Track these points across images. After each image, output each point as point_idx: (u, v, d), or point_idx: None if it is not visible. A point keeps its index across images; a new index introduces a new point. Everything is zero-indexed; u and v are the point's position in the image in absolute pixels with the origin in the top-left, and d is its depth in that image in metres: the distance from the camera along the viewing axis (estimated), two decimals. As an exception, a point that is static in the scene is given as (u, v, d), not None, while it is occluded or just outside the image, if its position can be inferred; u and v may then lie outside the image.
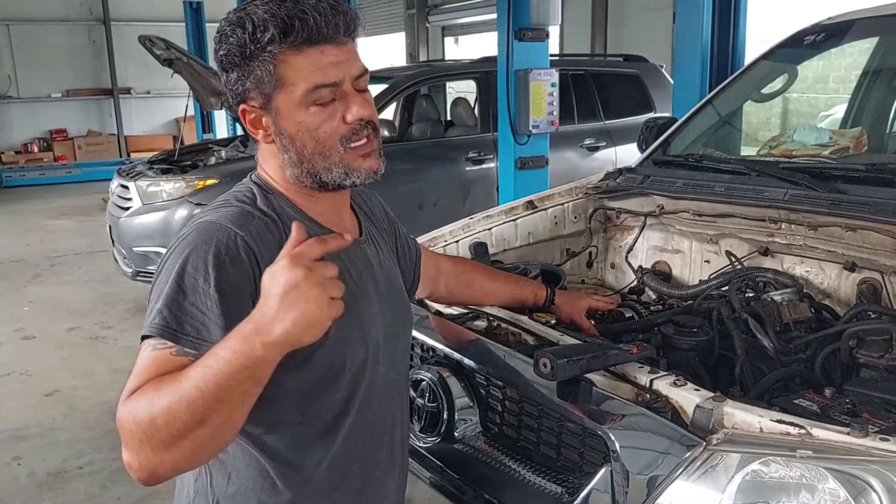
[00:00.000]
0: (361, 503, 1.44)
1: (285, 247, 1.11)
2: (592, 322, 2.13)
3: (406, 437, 1.58)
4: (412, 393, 1.92)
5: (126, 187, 6.30)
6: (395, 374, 1.49)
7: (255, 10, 1.26)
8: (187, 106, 8.17)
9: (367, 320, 1.39)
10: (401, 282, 1.60)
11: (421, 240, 2.46)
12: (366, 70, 1.35)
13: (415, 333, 2.06)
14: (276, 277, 1.08)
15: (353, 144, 1.33)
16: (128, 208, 6.16)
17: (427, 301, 2.21)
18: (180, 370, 1.12)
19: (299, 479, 1.35)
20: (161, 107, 15.83)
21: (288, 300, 1.06)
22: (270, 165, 1.39)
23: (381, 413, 1.45)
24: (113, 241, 6.39)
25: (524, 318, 1.95)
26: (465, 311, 2.10)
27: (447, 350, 1.93)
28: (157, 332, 1.18)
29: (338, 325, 1.17)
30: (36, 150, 14.87)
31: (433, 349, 1.99)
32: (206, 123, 12.72)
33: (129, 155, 15.04)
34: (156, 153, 8.15)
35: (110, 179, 6.93)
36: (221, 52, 1.31)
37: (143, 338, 1.20)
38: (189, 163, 6.78)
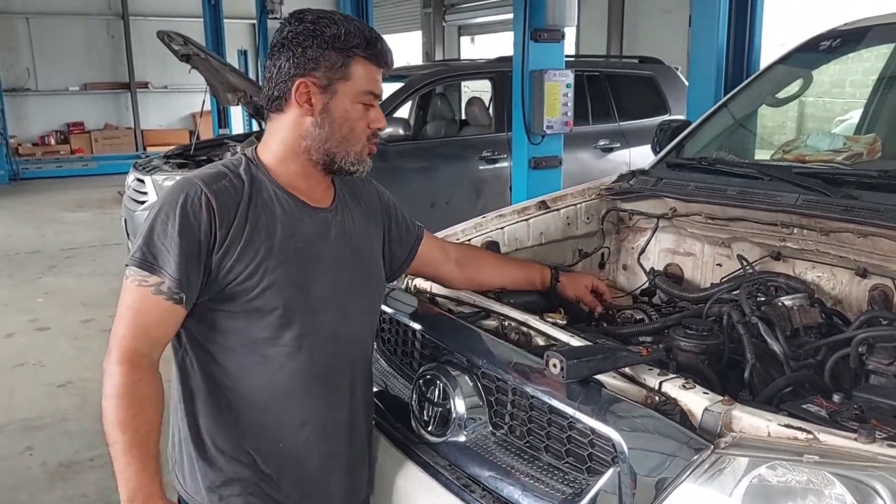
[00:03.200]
0: (301, 434, 1.73)
1: None
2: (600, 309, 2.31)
3: (364, 387, 1.87)
4: (423, 390, 1.94)
5: (142, 181, 6.35)
6: (347, 327, 1.77)
7: (347, 21, 1.66)
8: (204, 101, 8.21)
9: (309, 276, 1.68)
10: (373, 252, 1.88)
11: (433, 238, 2.48)
12: None
13: (425, 332, 2.08)
14: None
15: (371, 143, 1.74)
16: (143, 202, 6.21)
17: (438, 298, 2.23)
18: (156, 309, 1.55)
19: (242, 399, 1.68)
20: (178, 101, 15.91)
21: None
22: (276, 137, 1.72)
23: (324, 356, 1.72)
24: (128, 234, 6.44)
25: (534, 319, 1.96)
26: (476, 309, 2.11)
27: (457, 349, 1.95)
28: (136, 263, 1.56)
29: (274, 278, 1.61)
30: (53, 142, 14.99)
31: (443, 348, 2.00)
32: (223, 119, 12.79)
33: (145, 149, 15.14)
34: (172, 148, 8.20)
35: (126, 173, 6.98)
36: (307, 32, 1.64)
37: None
38: (205, 157, 6.81)
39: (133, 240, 6.21)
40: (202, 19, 13.16)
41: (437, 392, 1.89)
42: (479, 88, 8.13)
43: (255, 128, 9.78)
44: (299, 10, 1.70)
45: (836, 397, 1.55)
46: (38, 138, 15.02)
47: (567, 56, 5.79)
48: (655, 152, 3.07)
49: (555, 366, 1.56)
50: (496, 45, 13.55)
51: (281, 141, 1.71)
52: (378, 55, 1.69)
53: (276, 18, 10.95)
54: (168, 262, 1.55)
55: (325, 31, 1.63)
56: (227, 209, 1.60)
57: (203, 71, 7.16)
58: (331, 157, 1.69)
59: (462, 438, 1.84)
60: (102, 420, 1.55)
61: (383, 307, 2.15)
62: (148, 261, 1.56)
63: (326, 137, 1.67)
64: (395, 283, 2.29)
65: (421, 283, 2.30)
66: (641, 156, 6.00)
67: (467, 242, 2.52)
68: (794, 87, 3.16)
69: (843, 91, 8.55)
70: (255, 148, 1.76)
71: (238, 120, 13.05)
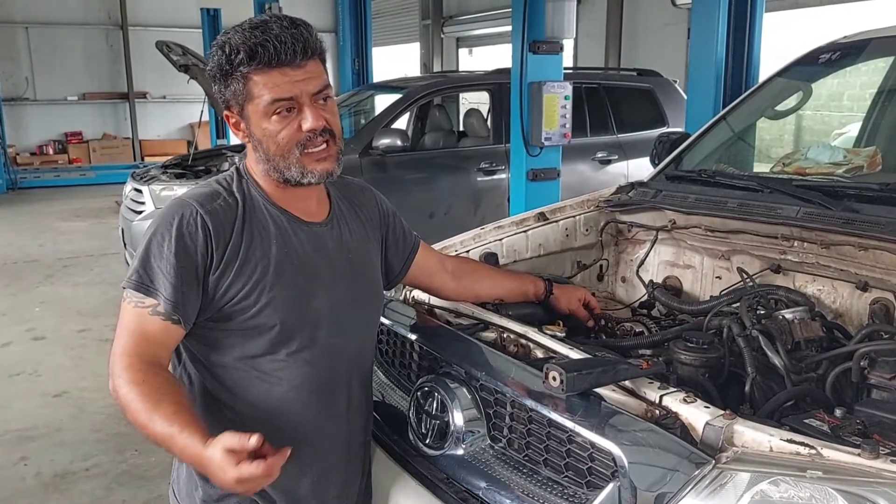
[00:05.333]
0: (298, 451, 1.62)
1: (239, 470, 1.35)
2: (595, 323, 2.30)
3: (362, 400, 1.84)
4: (421, 402, 1.92)
5: (140, 191, 6.35)
6: (345, 341, 1.74)
7: (234, 36, 1.56)
8: (202, 111, 8.22)
9: (307, 293, 1.66)
10: (370, 264, 1.85)
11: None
12: (326, 86, 1.62)
13: (423, 344, 2.07)
14: (224, 474, 1.36)
15: (309, 150, 1.61)
16: (141, 212, 6.21)
17: (436, 309, 2.22)
18: (153, 328, 1.53)
19: (238, 414, 1.65)
20: (176, 112, 15.92)
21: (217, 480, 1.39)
22: (251, 158, 1.69)
23: (321, 372, 1.70)
24: (125, 244, 6.43)
25: (533, 331, 1.95)
26: (475, 321, 2.10)
27: (455, 361, 1.93)
28: (133, 286, 1.55)
29: (272, 296, 1.59)
30: (51, 151, 14.99)
31: (441, 360, 1.99)
32: (221, 129, 12.75)
33: (143, 159, 15.15)
34: (170, 158, 8.20)
35: (124, 182, 6.99)
36: (208, 69, 1.63)
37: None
38: (202, 168, 6.83)
39: (129, 249, 6.24)
40: (201, 30, 13.17)
41: (434, 404, 1.88)
42: (477, 100, 8.15)
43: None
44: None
45: (838, 412, 1.54)
46: (36, 148, 15.02)
47: (565, 68, 5.80)
48: (654, 164, 3.07)
49: (554, 379, 1.55)
50: (494, 57, 13.59)
51: (254, 162, 1.69)
52: (268, 60, 1.54)
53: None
54: (164, 284, 1.54)
55: (215, 62, 1.59)
56: (222, 229, 1.59)
57: (202, 81, 7.16)
58: (280, 173, 1.63)
59: (460, 451, 1.83)
60: (142, 432, 1.49)
61: (381, 318, 2.14)
62: (144, 283, 1.55)
63: (265, 158, 1.63)
64: (392, 294, 2.28)
65: (419, 294, 2.29)
66: (639, 168, 6.02)
67: (465, 254, 2.51)
68: (794, 99, 3.16)
69: (840, 104, 8.57)
70: (246, 163, 1.72)
71: (236, 130, 13.01)
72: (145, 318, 1.54)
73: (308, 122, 1.58)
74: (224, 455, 1.35)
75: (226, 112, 1.65)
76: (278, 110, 1.57)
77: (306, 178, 1.63)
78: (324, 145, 1.62)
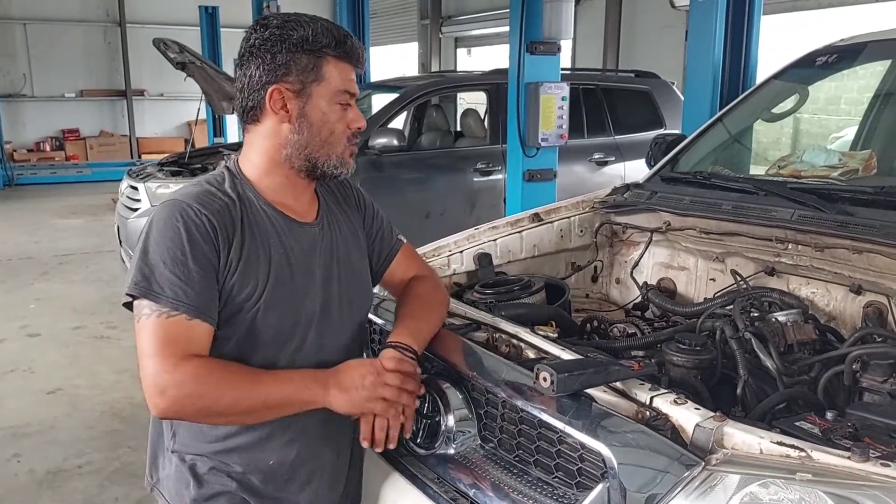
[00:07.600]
0: (291, 452, 1.70)
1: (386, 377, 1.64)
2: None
3: None
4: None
5: (136, 188, 6.35)
6: (335, 340, 1.73)
7: (313, 22, 1.62)
8: (199, 109, 8.20)
9: (302, 294, 1.66)
10: (360, 262, 1.84)
11: (426, 248, 2.46)
12: None
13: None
14: (373, 396, 1.60)
15: (351, 144, 1.70)
16: (137, 209, 6.21)
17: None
18: (187, 333, 1.49)
19: None
20: (173, 109, 15.92)
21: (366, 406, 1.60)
22: (255, 149, 1.67)
23: None
24: (121, 242, 6.43)
25: (525, 331, 1.94)
26: (467, 321, 2.09)
27: (447, 361, 1.92)
28: (141, 293, 1.50)
29: (270, 298, 1.58)
30: (48, 148, 14.97)
31: (433, 360, 1.98)
32: (218, 127, 12.78)
33: (140, 156, 15.15)
34: (166, 155, 8.20)
35: (120, 180, 6.98)
36: (275, 38, 1.60)
37: (132, 299, 1.53)
38: (199, 166, 6.83)
39: (125, 246, 6.23)
40: (199, 28, 13.17)
41: (426, 404, 1.87)
42: (474, 100, 8.15)
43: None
44: (263, 16, 1.67)
45: (829, 415, 1.54)
46: (33, 144, 15.00)
47: (563, 69, 5.80)
48: (650, 166, 3.07)
49: (545, 379, 1.54)
50: (492, 57, 13.60)
51: (262, 152, 1.66)
52: (349, 53, 1.65)
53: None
54: (185, 291, 1.49)
55: (293, 35, 1.59)
56: (227, 230, 1.56)
57: (199, 79, 7.17)
58: (312, 163, 1.65)
59: (451, 451, 1.82)
60: (231, 412, 1.53)
61: (374, 317, 2.13)
62: (154, 290, 1.49)
63: (306, 143, 1.63)
64: (385, 293, 2.27)
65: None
66: (636, 170, 6.02)
67: (458, 254, 2.48)
68: (790, 102, 3.16)
69: (838, 108, 8.57)
70: (237, 160, 1.70)
71: (233, 128, 13.03)
72: (179, 326, 1.49)
73: (360, 121, 1.69)
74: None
75: (276, 86, 1.59)
76: (341, 101, 1.65)
77: (339, 170, 1.69)
78: (356, 143, 1.73)
